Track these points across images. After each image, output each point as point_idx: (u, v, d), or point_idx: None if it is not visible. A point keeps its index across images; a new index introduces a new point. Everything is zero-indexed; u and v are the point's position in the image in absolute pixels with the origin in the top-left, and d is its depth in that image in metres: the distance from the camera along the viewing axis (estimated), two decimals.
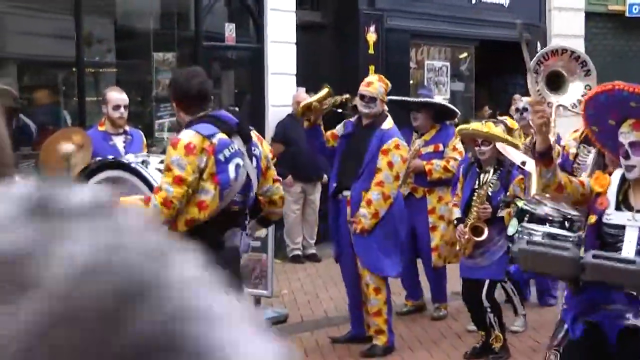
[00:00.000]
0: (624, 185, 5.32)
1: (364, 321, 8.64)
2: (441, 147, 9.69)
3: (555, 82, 9.41)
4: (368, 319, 8.55)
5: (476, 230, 8.09)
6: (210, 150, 5.42)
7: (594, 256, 4.99)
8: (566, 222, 7.32)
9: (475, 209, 8.09)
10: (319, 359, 8.46)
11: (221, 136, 5.51)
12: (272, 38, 13.57)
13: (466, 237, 8.13)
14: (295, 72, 13.72)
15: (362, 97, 8.59)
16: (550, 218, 7.42)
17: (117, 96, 8.25)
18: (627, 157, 5.18)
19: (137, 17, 13.31)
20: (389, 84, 8.77)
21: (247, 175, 5.62)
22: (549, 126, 5.55)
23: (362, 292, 8.53)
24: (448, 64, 16.79)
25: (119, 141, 8.18)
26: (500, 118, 9.28)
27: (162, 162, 5.76)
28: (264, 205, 5.91)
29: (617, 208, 5.25)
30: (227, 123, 5.61)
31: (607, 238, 5.23)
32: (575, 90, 9.52)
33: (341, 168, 8.57)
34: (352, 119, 8.75)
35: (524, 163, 8.12)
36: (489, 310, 8.24)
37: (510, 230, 7.50)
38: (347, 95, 8.58)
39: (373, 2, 14.73)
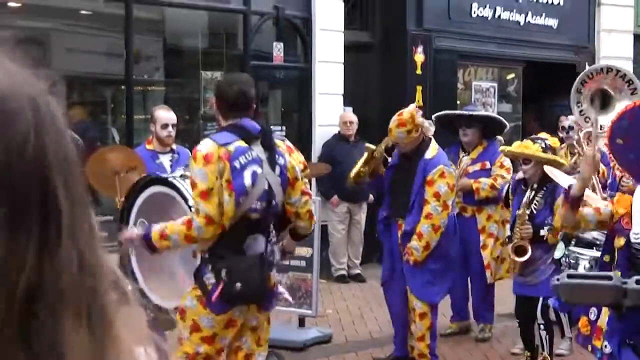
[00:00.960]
0: None
1: (408, 343, 8.61)
2: (488, 165, 9.65)
3: (602, 101, 9.37)
4: (412, 341, 8.52)
5: (520, 250, 8.04)
6: (225, 157, 5.42)
7: (637, 281, 4.94)
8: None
9: (517, 229, 8.06)
10: None
11: (239, 144, 5.50)
12: (320, 58, 13.61)
13: (511, 257, 8.11)
14: (342, 92, 13.75)
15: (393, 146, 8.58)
16: (598, 242, 7.36)
17: (165, 115, 8.26)
18: None
19: (186, 35, 13.42)
20: (414, 114, 8.40)
21: (268, 183, 5.59)
22: (590, 179, 5.55)
23: (408, 314, 8.50)
24: (495, 84, 16.74)
25: (165, 160, 8.20)
26: (539, 135, 9.08)
27: None
28: (291, 216, 5.86)
29: None
30: (247, 130, 5.59)
31: (637, 258, 5.19)
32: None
33: (392, 199, 8.51)
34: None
35: (570, 187, 8.06)
36: (542, 327, 8.17)
37: (557, 254, 7.46)
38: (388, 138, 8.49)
39: (421, 23, 14.73)
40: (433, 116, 10.44)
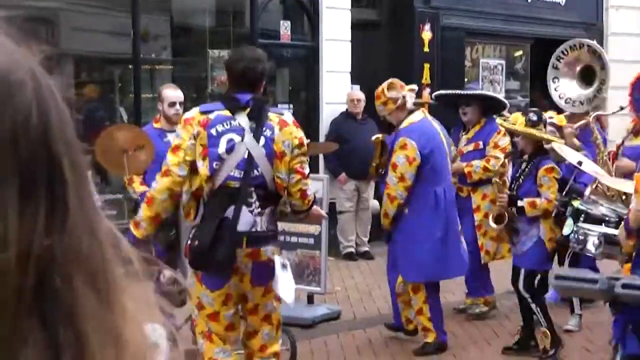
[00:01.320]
0: None
1: (401, 315, 8.76)
2: (481, 145, 9.61)
3: (583, 77, 9.40)
4: (408, 313, 8.64)
5: (499, 219, 8.11)
6: (203, 123, 5.62)
7: (624, 286, 4.92)
8: (622, 222, 7.27)
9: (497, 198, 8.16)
10: (372, 356, 8.47)
11: (220, 112, 5.67)
12: (327, 36, 13.59)
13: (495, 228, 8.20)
14: (349, 70, 13.73)
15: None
16: (607, 218, 7.37)
17: (172, 93, 8.29)
18: None
19: (193, 14, 13.41)
20: (393, 84, 8.65)
21: (249, 153, 5.63)
22: None
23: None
24: (503, 62, 16.70)
25: (173, 138, 8.20)
26: (547, 114, 9.07)
27: None
28: (280, 190, 5.81)
29: None
30: (234, 100, 5.73)
31: None
32: (596, 86, 9.50)
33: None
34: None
35: (580, 163, 8.07)
36: (530, 300, 8.18)
37: (566, 231, 7.46)
38: None
39: (428, 0, 14.69)
40: (433, 95, 10.47)
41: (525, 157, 8.22)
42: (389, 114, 8.50)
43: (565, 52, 9.56)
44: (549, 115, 9.16)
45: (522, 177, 8.17)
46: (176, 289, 5.52)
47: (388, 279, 8.94)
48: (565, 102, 9.76)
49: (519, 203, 8.00)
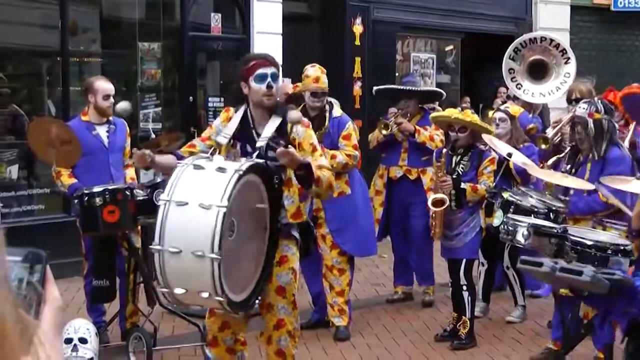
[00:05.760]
0: None
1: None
2: (428, 129, 9.70)
3: (538, 71, 9.48)
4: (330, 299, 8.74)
5: (438, 203, 8.15)
6: None
7: (563, 269, 5.06)
8: (551, 214, 7.33)
9: (437, 182, 8.18)
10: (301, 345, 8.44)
11: None
12: (258, 29, 13.54)
13: (431, 213, 8.20)
14: (281, 63, 13.64)
15: (315, 94, 8.58)
16: (536, 209, 7.43)
17: (107, 85, 8.20)
18: None
19: (122, 6, 13.26)
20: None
21: None
22: None
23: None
24: (434, 56, 16.80)
25: (102, 131, 8.14)
26: (503, 107, 9.35)
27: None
28: None
29: None
30: None
31: None
32: (555, 79, 9.59)
33: None
34: None
35: (510, 155, 8.14)
36: (464, 288, 8.29)
37: (496, 222, 7.51)
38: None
39: None
40: (374, 89, 10.52)
41: (461, 150, 8.27)
42: (320, 101, 8.57)
43: (524, 45, 9.61)
44: (505, 106, 9.34)
45: (460, 167, 8.22)
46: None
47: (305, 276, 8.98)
48: (525, 93, 9.86)
49: (462, 185, 8.07)
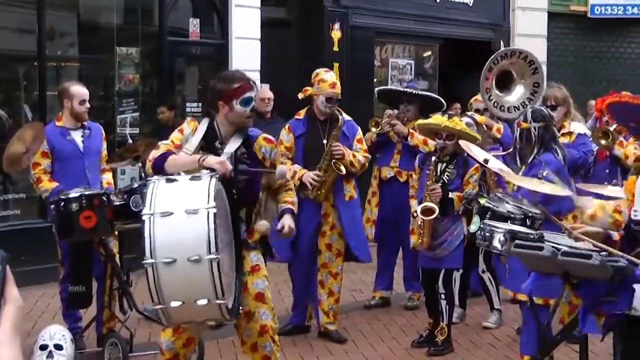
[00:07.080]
0: None
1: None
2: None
3: (504, 82, 9.49)
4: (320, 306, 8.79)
5: (427, 213, 8.15)
6: None
7: (564, 253, 5.07)
8: (527, 220, 7.34)
9: (425, 193, 8.18)
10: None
11: None
12: (237, 34, 13.54)
13: (419, 222, 8.20)
14: (259, 68, 13.69)
15: (330, 99, 8.58)
16: (512, 215, 7.44)
17: (83, 90, 8.20)
18: None
19: (100, 11, 13.22)
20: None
21: None
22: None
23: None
24: (412, 62, 16.84)
25: (77, 136, 8.13)
26: (469, 114, 9.43)
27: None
28: None
29: None
30: None
31: (637, 234, 5.29)
32: (524, 90, 9.60)
33: (310, 162, 8.60)
34: (301, 118, 8.74)
35: (486, 161, 8.15)
36: (442, 296, 8.31)
37: (473, 228, 7.50)
38: None
39: (338, 0, 14.73)
40: (375, 90, 10.61)
41: (446, 158, 8.28)
42: (332, 108, 8.64)
43: (499, 60, 9.60)
44: (471, 114, 9.41)
45: (445, 175, 8.23)
46: None
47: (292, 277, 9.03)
48: (501, 110, 9.81)
49: (450, 195, 8.10)
